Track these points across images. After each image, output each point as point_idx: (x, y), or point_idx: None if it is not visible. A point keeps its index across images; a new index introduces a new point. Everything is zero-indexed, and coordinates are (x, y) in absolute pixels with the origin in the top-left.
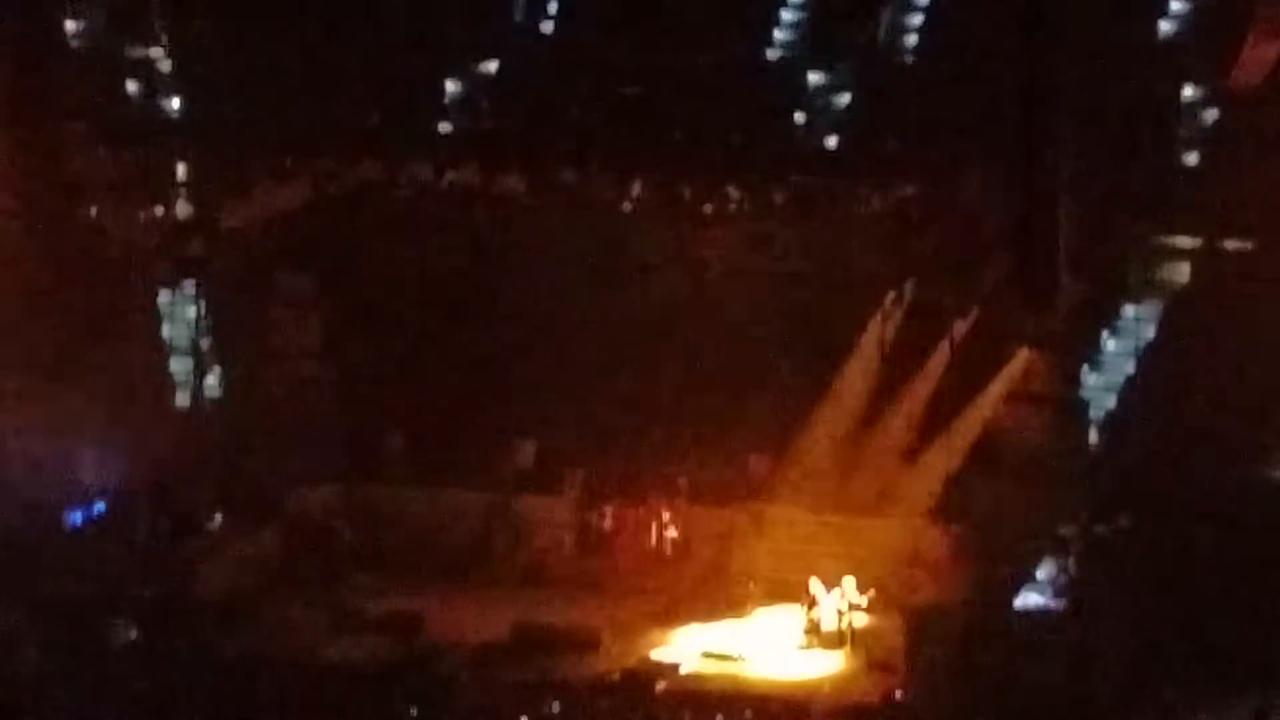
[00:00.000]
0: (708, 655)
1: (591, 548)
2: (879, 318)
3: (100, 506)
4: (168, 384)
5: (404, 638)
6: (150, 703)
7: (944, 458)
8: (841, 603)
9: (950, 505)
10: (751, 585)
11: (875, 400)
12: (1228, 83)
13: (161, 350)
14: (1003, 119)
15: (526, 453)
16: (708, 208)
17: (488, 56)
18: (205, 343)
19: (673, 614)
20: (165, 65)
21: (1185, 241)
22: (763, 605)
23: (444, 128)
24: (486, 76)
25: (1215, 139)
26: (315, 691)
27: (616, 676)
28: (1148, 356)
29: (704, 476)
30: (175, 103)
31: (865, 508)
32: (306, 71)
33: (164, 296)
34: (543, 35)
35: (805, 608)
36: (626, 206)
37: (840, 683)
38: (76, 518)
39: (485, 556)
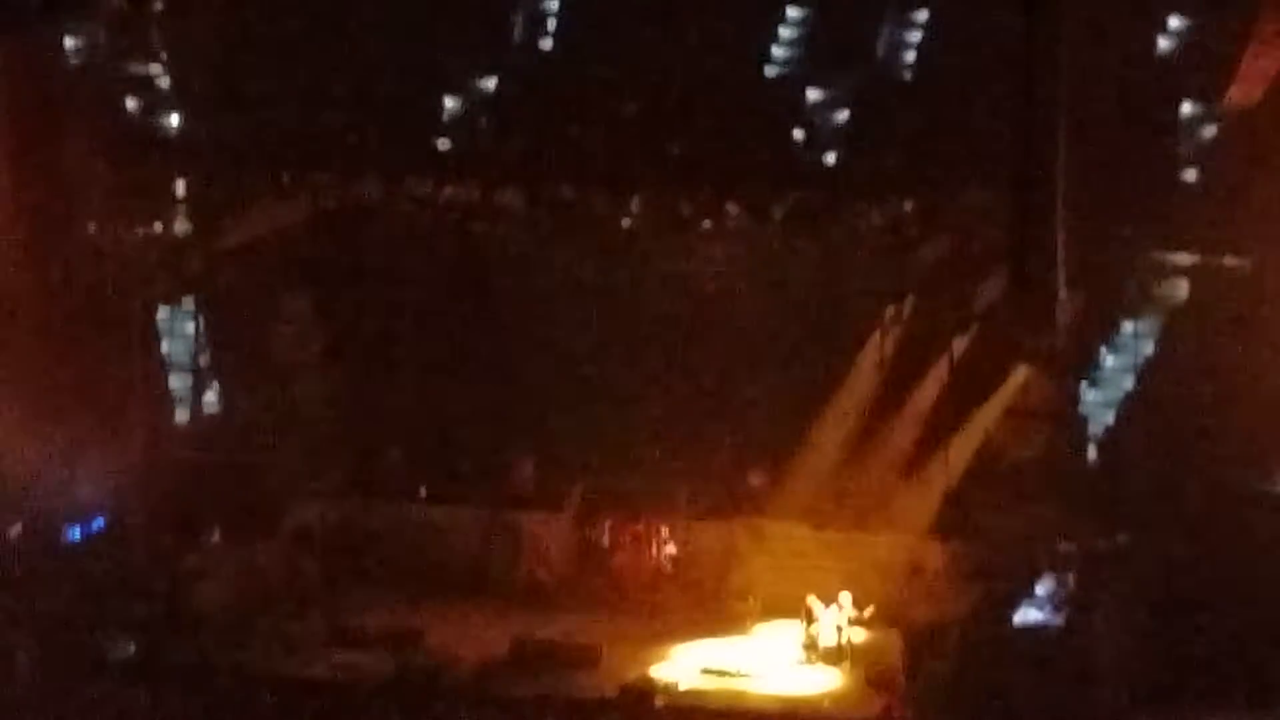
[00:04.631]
0: (707, 671)
1: (590, 563)
2: (878, 333)
3: (98, 522)
4: (166, 399)
5: (402, 653)
6: (148, 719)
7: (943, 473)
8: (840, 618)
9: (949, 520)
10: (750, 601)
11: (874, 415)
12: (1226, 98)
13: (160, 366)
14: (1001, 134)
15: (525, 468)
16: (707, 223)
17: (486, 73)
18: (204, 358)
19: (672, 630)
20: (164, 82)
21: (1184, 257)
22: (762, 621)
23: (442, 144)
24: (485, 93)
25: (1214, 154)
26: (313, 707)
27: (615, 693)
28: (1146, 372)
29: (703, 492)
30: (174, 119)
31: (864, 523)
32: (305, 88)
33: (163, 312)
34: (541, 52)
35: (804, 623)
36: (625, 222)
37: (839, 699)
38: (75, 533)
39: (484, 572)
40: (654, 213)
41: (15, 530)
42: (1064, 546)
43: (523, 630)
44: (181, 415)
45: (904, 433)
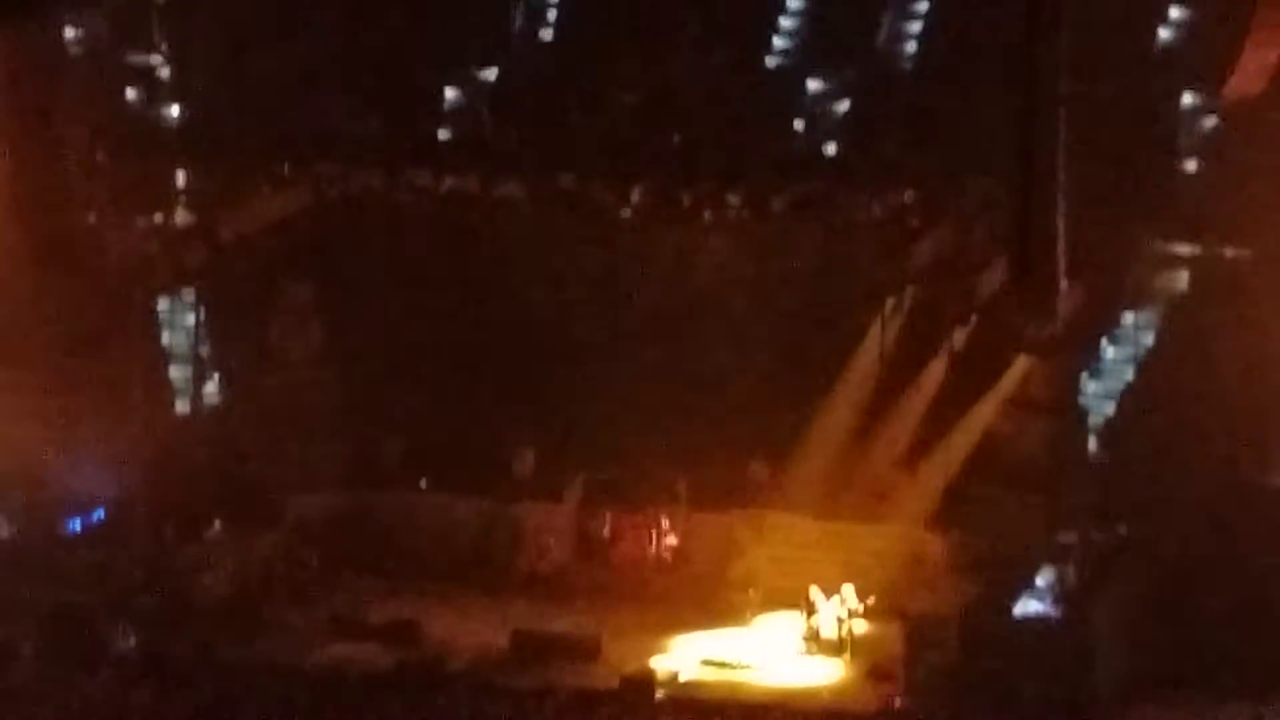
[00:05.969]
0: (707, 662)
1: (591, 555)
2: (878, 324)
3: (100, 513)
4: (167, 391)
5: (403, 645)
6: (150, 710)
7: (943, 464)
8: (841, 610)
9: (949, 512)
10: (751, 592)
11: (875, 407)
12: (1226, 89)
13: (161, 357)
14: (1002, 124)
15: (526, 459)
16: (707, 214)
17: (487, 63)
18: (205, 350)
19: (672, 621)
20: (165, 73)
21: (1184, 248)
22: (762, 612)
23: (443, 134)
24: (486, 83)
25: (1214, 146)
26: (314, 698)
27: (615, 684)
28: (1147, 363)
29: (703, 483)
30: (175, 110)
31: (865, 514)
32: (306, 79)
33: (164, 304)
34: (542, 42)
35: (805, 615)
36: (626, 213)
37: (839, 690)
38: (76, 524)
39: (484, 563)
40: (654, 203)
41: (18, 522)
42: (1064, 537)
43: (523, 621)
44: (182, 406)
45: (905, 423)
